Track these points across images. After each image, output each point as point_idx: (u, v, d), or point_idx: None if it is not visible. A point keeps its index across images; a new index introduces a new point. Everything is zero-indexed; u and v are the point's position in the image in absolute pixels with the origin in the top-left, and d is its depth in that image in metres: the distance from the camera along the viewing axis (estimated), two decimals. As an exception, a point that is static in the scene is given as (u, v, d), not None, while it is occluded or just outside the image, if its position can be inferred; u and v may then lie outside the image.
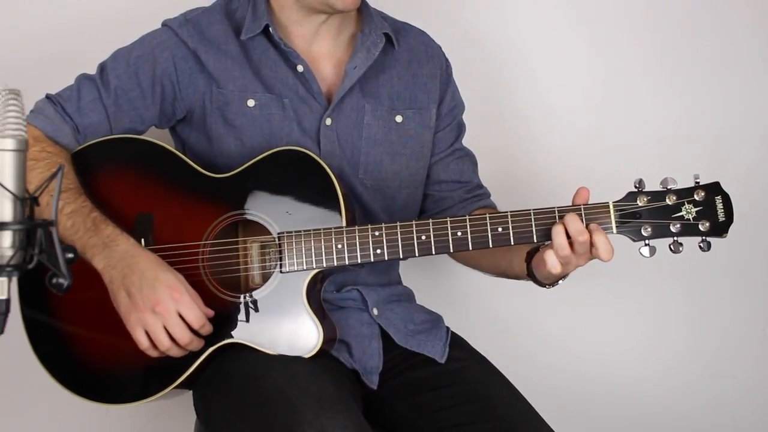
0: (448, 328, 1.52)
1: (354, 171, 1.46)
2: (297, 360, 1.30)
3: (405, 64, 1.52)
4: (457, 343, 1.50)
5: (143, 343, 1.26)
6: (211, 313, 1.29)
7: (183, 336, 1.25)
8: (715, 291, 2.00)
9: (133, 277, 1.25)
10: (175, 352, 1.28)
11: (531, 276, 1.37)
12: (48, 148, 1.36)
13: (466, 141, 1.62)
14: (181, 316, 1.25)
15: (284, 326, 1.32)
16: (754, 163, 1.97)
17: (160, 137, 1.46)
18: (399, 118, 1.50)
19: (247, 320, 1.33)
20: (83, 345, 1.37)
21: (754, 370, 2.02)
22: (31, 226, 0.86)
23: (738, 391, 2.02)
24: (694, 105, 1.95)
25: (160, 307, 1.24)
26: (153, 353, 1.28)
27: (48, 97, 1.43)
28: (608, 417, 1.99)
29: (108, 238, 1.28)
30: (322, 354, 1.33)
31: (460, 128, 1.60)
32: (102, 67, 1.44)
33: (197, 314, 1.25)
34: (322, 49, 1.48)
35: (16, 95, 0.87)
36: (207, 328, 1.28)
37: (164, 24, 1.47)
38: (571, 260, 1.26)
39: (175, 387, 1.34)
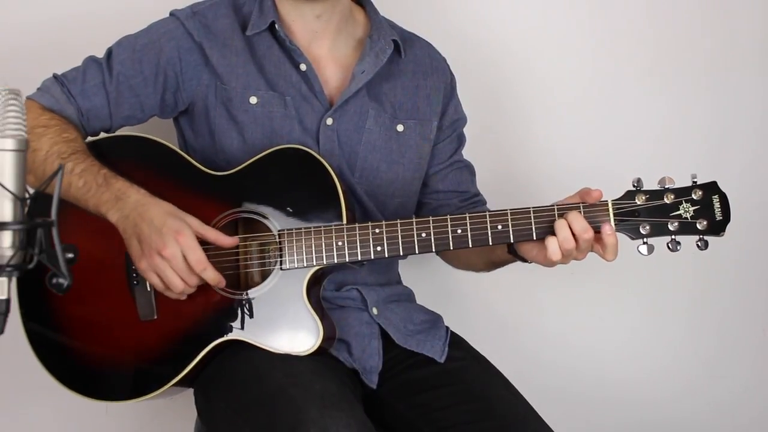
0: (447, 327, 1.53)
1: (351, 173, 1.47)
2: (299, 359, 1.31)
3: (410, 74, 1.53)
4: (456, 342, 1.51)
5: (158, 285, 1.28)
6: (234, 241, 1.30)
7: (190, 279, 1.26)
8: (714, 292, 2.00)
9: (143, 225, 1.26)
10: (190, 290, 1.29)
11: (512, 252, 1.39)
12: (57, 117, 1.38)
13: (468, 139, 1.62)
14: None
15: (284, 323, 1.32)
16: (754, 163, 1.97)
17: (161, 132, 1.47)
18: (400, 128, 1.50)
19: (248, 317, 1.33)
20: (82, 343, 1.37)
21: (753, 371, 2.03)
22: (31, 226, 0.86)
23: (737, 392, 2.02)
24: (693, 104, 1.95)
25: (167, 252, 1.24)
26: (172, 295, 1.29)
27: (55, 76, 1.43)
28: (607, 417, 1.99)
29: (119, 191, 1.29)
30: (321, 352, 1.33)
31: (461, 140, 1.61)
32: (109, 52, 1.45)
33: (198, 257, 1.25)
34: (323, 49, 1.48)
35: (16, 95, 0.87)
36: (209, 273, 1.27)
37: (171, 14, 1.47)
38: (572, 253, 1.28)
39: (176, 384, 1.34)
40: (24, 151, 0.88)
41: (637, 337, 2.00)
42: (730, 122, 1.96)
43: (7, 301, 0.86)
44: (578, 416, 1.94)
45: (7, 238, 0.85)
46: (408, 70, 1.53)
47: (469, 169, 1.62)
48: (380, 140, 1.48)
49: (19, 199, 0.86)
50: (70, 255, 0.88)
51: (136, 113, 1.45)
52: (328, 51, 1.48)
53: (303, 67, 1.44)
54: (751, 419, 2.04)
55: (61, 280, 0.87)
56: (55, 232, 0.87)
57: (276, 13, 1.44)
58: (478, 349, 1.51)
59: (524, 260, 1.40)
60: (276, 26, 1.43)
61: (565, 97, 1.92)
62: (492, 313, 1.95)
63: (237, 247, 1.37)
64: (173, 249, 1.24)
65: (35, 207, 0.88)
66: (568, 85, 1.92)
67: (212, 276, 1.27)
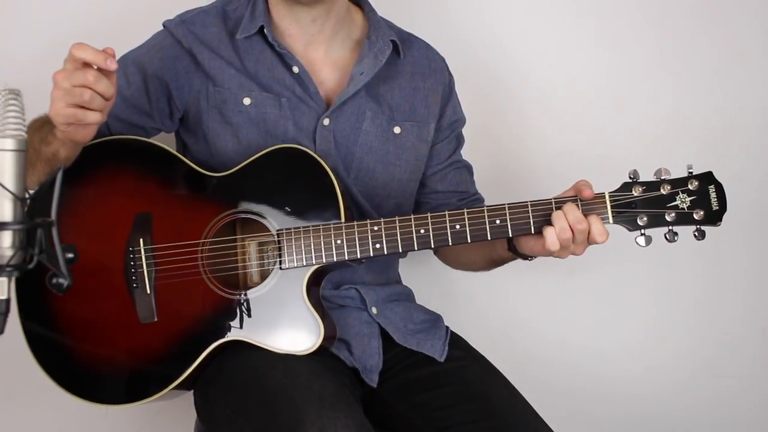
0: (447, 327, 1.53)
1: (347, 174, 1.47)
2: (299, 359, 1.31)
3: (408, 76, 1.53)
4: (456, 342, 1.51)
5: (75, 114, 1.17)
6: (113, 64, 1.17)
7: (75, 75, 1.15)
8: (715, 290, 1.99)
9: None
10: (85, 92, 1.16)
11: (512, 249, 1.40)
12: None
13: (467, 136, 1.63)
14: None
15: (285, 323, 1.33)
16: (754, 160, 1.96)
17: (160, 138, 1.47)
18: (397, 130, 1.50)
19: (248, 318, 1.33)
20: (82, 346, 1.36)
21: (753, 370, 2.02)
22: (31, 226, 0.86)
23: (737, 391, 2.01)
24: (690, 98, 1.95)
25: (56, 76, 1.16)
26: (91, 116, 1.17)
27: None
28: (607, 416, 1.98)
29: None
30: (322, 351, 1.33)
31: (459, 141, 1.61)
32: None
33: (72, 47, 1.15)
34: (319, 52, 1.48)
35: (16, 95, 0.88)
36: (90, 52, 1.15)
37: (163, 25, 1.48)
38: (569, 245, 1.28)
39: (176, 387, 1.34)
40: (24, 151, 0.88)
41: (637, 337, 1.99)
42: (727, 116, 1.95)
43: (7, 301, 0.86)
44: (578, 416, 1.94)
45: (7, 238, 0.86)
46: (406, 72, 1.53)
47: (468, 169, 1.62)
48: (377, 142, 1.48)
49: (19, 199, 0.86)
50: (70, 255, 0.88)
51: (133, 120, 1.45)
52: (324, 53, 1.48)
53: (296, 69, 1.44)
54: (751, 418, 2.03)
55: (61, 280, 0.87)
56: (55, 232, 0.87)
57: (267, 17, 1.45)
58: (477, 349, 1.51)
59: (524, 257, 1.40)
60: (265, 30, 1.43)
61: (562, 92, 1.92)
62: (491, 312, 1.95)
63: (236, 247, 1.37)
64: (59, 72, 1.16)
65: (35, 207, 0.88)
66: (565, 81, 1.91)
67: (83, 49, 1.15)
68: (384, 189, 1.50)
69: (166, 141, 1.47)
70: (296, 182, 1.35)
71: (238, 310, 1.33)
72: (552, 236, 1.27)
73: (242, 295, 1.34)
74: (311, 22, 1.45)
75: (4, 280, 0.86)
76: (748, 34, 1.95)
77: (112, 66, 1.16)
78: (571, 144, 1.91)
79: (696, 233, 1.28)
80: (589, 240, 1.29)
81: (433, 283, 1.82)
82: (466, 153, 1.63)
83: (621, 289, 1.96)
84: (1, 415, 1.82)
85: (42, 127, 1.29)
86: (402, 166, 1.51)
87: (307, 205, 1.34)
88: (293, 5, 1.43)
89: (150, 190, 1.39)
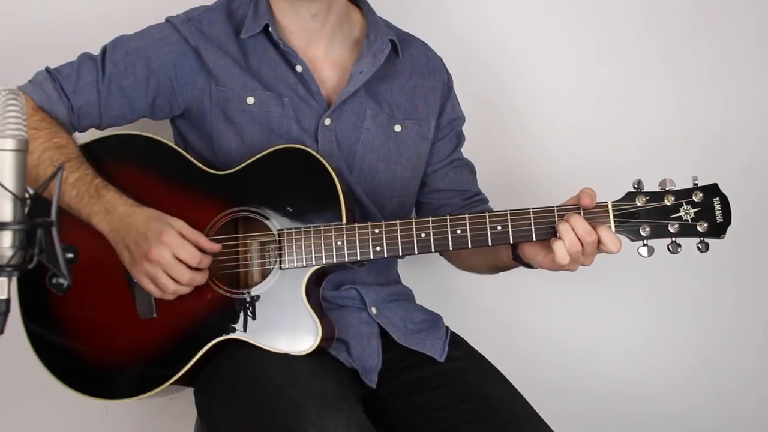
0: (447, 327, 1.53)
1: (350, 173, 1.47)
2: (298, 359, 1.31)
3: (407, 74, 1.53)
4: (456, 342, 1.51)
5: (153, 291, 1.31)
6: (217, 247, 1.32)
7: (181, 275, 1.28)
8: (715, 291, 1.99)
9: (131, 234, 1.29)
10: (185, 290, 1.31)
11: (516, 258, 1.40)
12: (48, 119, 1.38)
13: (467, 140, 1.62)
14: (178, 259, 1.28)
15: (283, 323, 1.33)
16: (755, 163, 1.96)
17: (159, 133, 1.47)
18: (398, 128, 1.50)
19: (246, 317, 1.33)
20: (82, 341, 1.37)
21: (754, 370, 2.02)
22: (31, 226, 0.86)
23: (738, 391, 2.02)
24: (694, 105, 1.94)
25: (153, 254, 1.27)
26: (167, 296, 1.31)
27: (48, 70, 1.43)
28: (607, 416, 1.99)
29: (108, 203, 1.32)
30: (320, 352, 1.33)
31: (459, 139, 1.61)
32: (103, 51, 1.45)
33: (190, 252, 1.28)
34: (319, 50, 1.48)
35: (16, 95, 0.88)
36: (206, 262, 1.31)
37: (167, 20, 1.47)
38: (578, 257, 1.28)
39: (175, 383, 1.35)
40: (24, 151, 0.88)
41: (638, 337, 2.00)
42: (730, 123, 1.95)
43: (7, 301, 0.87)
44: (578, 415, 1.94)
45: (7, 238, 0.86)
46: (405, 71, 1.53)
47: (469, 167, 1.62)
48: (378, 140, 1.48)
49: (19, 199, 0.86)
50: (70, 255, 0.88)
51: (125, 113, 1.45)
52: (325, 52, 1.48)
53: (299, 68, 1.44)
54: (751, 418, 2.04)
55: (61, 280, 0.87)
56: (55, 232, 0.87)
57: (270, 16, 1.44)
58: (477, 349, 1.51)
59: (529, 266, 1.39)
60: (270, 29, 1.43)
61: (565, 97, 1.91)
62: (491, 312, 1.95)
63: (237, 246, 1.37)
64: (159, 250, 1.27)
65: (35, 207, 0.88)
66: (568, 85, 1.91)
67: (207, 263, 1.31)
68: (387, 188, 1.50)
69: (165, 136, 1.46)
70: (299, 182, 1.35)
71: (236, 309, 1.34)
72: (562, 250, 1.26)
73: (241, 295, 1.34)
74: (312, 18, 1.44)
75: (4, 280, 0.86)
76: (749, 36, 1.95)
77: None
78: (571, 147, 1.91)
79: (699, 245, 1.27)
80: (601, 250, 1.28)
81: (433, 283, 1.82)
82: (467, 156, 1.62)
83: (622, 289, 1.96)
84: (1, 415, 1.83)
85: (95, 196, 1.32)
86: (404, 164, 1.51)
87: (309, 206, 1.34)
88: (294, 0, 1.42)
89: (152, 187, 1.39)
